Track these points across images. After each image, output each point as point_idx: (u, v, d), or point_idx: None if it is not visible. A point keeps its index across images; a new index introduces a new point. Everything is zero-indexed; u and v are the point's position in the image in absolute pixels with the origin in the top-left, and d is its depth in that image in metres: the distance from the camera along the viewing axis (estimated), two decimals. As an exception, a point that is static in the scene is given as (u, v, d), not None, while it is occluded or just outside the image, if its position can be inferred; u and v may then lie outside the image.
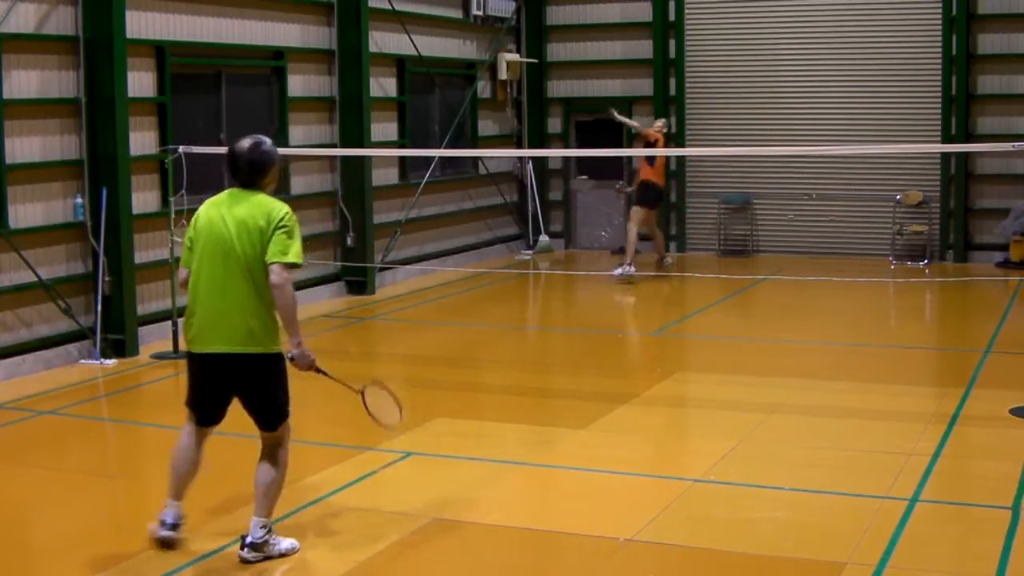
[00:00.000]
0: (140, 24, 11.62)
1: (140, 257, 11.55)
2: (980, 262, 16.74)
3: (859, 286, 14.35)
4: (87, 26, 10.90)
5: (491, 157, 18.11)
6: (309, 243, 14.29)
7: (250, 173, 6.08)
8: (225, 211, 6.00)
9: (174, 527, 6.11)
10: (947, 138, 16.77)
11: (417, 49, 16.00)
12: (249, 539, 6.00)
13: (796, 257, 17.36)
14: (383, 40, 15.44)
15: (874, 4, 17.15)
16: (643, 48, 18.38)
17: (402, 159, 15.91)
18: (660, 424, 9.17)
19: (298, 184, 14.12)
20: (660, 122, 16.17)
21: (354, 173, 14.66)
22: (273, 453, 6.12)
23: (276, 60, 13.74)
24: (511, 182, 19.10)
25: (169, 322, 11.37)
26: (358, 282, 14.75)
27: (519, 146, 19.02)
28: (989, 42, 16.65)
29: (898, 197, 17.03)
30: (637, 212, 15.51)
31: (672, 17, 18.14)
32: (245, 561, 5.98)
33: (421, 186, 16.04)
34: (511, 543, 6.46)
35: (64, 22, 10.86)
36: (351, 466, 7.70)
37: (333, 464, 7.74)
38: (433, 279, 15.75)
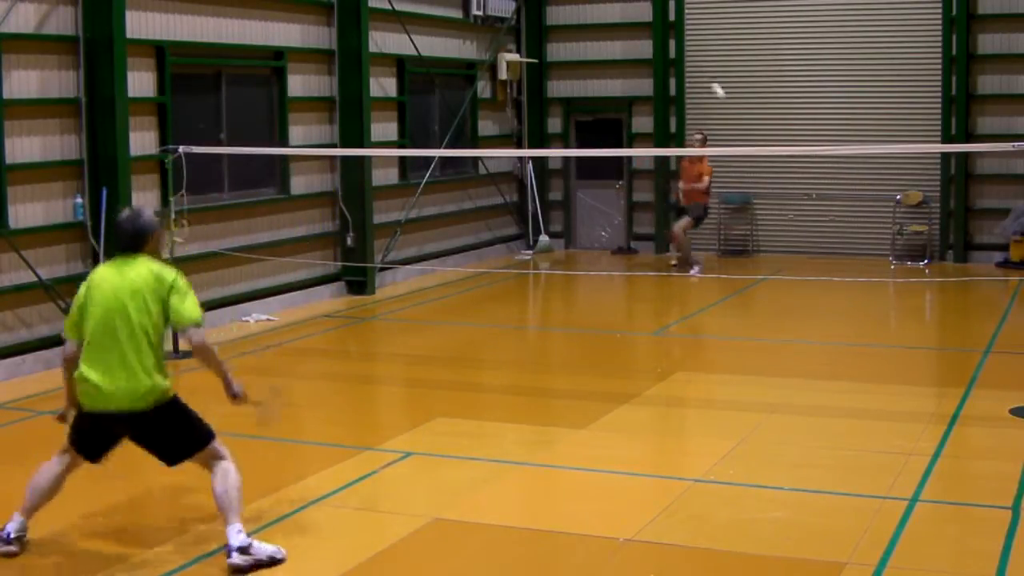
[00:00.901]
0: (140, 24, 11.62)
1: (140, 257, 11.53)
2: (980, 262, 16.74)
3: (859, 286, 14.35)
4: (87, 26, 10.90)
5: (491, 157, 18.11)
6: (309, 243, 14.34)
7: (132, 240, 6.23)
8: (114, 279, 6.16)
9: (18, 540, 6.24)
10: (947, 138, 16.77)
11: (417, 49, 16.00)
12: (236, 544, 5.94)
13: (796, 257, 17.36)
14: (383, 40, 15.44)
15: (874, 4, 17.15)
16: (643, 48, 18.38)
17: (402, 159, 15.90)
18: (660, 424, 9.17)
19: (298, 184, 14.12)
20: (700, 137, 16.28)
21: (354, 173, 14.66)
22: (214, 467, 6.20)
23: (276, 60, 13.74)
24: (511, 182, 19.10)
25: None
26: (358, 282, 14.74)
27: (519, 146, 19.02)
28: (989, 42, 16.65)
29: (898, 197, 17.03)
30: (687, 222, 16.40)
31: (672, 17, 18.14)
32: (238, 568, 5.94)
33: (421, 186, 16.04)
34: (511, 543, 6.45)
35: (64, 22, 10.87)
36: (351, 466, 7.70)
37: (333, 464, 7.74)
38: (433, 279, 15.75)
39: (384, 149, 15.36)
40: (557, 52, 19.10)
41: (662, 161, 18.25)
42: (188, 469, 7.86)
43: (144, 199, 11.72)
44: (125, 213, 6.38)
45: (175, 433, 6.24)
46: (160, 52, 11.92)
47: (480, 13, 17.63)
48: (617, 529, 6.46)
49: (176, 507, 7.18)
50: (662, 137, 18.25)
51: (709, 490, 7.18)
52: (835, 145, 16.53)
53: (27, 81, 10.53)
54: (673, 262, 16.83)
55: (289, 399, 7.09)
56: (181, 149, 11.38)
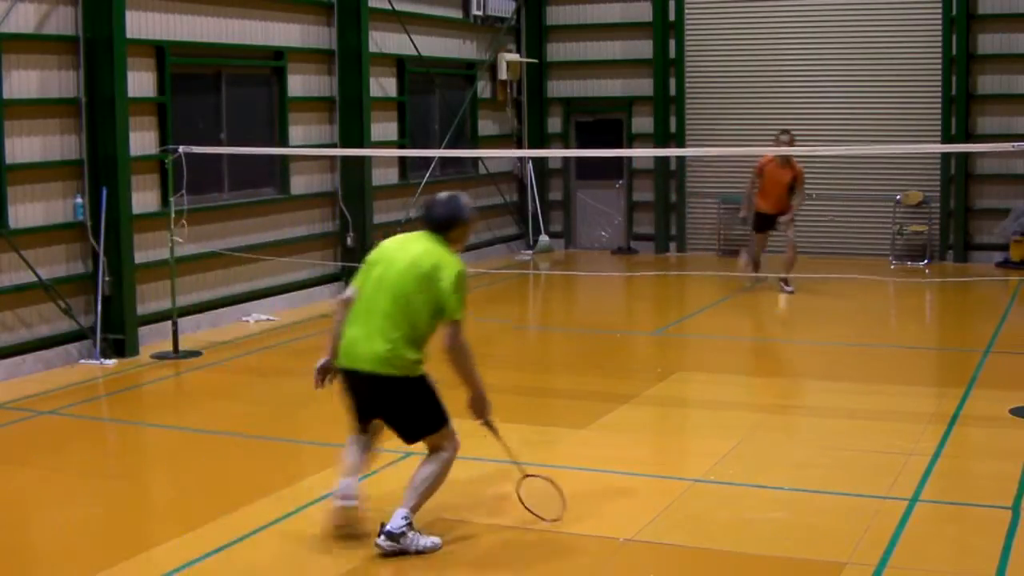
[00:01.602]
0: (140, 24, 11.62)
1: (140, 257, 11.55)
2: (980, 262, 16.74)
3: (859, 286, 14.34)
4: (87, 26, 10.90)
5: (491, 157, 18.11)
6: (309, 243, 14.34)
7: (441, 222, 6.36)
8: (407, 250, 6.35)
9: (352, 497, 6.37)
10: (947, 138, 16.76)
11: (417, 49, 16.00)
12: (388, 527, 6.09)
13: (796, 257, 17.33)
14: (383, 40, 15.44)
15: (874, 4, 17.15)
16: (643, 48, 18.39)
17: (402, 159, 15.91)
18: (660, 424, 9.17)
19: (298, 184, 14.12)
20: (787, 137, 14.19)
21: (354, 173, 14.66)
22: (435, 455, 6.35)
23: (276, 60, 13.74)
24: (511, 182, 19.11)
25: (169, 322, 11.37)
26: (358, 282, 14.72)
27: (519, 146, 19.02)
28: (989, 42, 16.65)
29: (898, 197, 17.03)
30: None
31: (672, 17, 18.15)
32: (381, 550, 6.08)
33: (421, 186, 16.04)
34: (511, 543, 6.45)
35: (64, 22, 10.86)
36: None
37: (333, 464, 7.73)
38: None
39: (384, 149, 15.36)
40: (557, 52, 19.10)
41: (662, 161, 18.26)
42: (189, 469, 7.88)
43: (144, 199, 11.73)
44: (445, 195, 6.45)
45: (415, 409, 6.32)
46: (160, 52, 11.92)
47: (480, 13, 17.63)
48: (617, 529, 6.46)
49: (176, 507, 7.19)
50: (662, 137, 18.26)
51: (709, 490, 7.18)
52: (835, 145, 16.51)
53: (27, 81, 10.53)
54: (788, 288, 14.37)
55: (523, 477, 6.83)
56: (181, 149, 11.38)
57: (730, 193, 17.94)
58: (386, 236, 14.05)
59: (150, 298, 11.76)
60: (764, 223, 14.55)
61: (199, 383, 10.47)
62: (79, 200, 10.98)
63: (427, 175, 16.11)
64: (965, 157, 16.65)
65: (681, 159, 18.25)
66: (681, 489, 7.19)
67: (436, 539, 6.27)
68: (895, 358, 11.14)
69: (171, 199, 11.41)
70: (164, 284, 11.68)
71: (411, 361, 6.25)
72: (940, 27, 16.76)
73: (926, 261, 16.75)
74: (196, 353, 11.29)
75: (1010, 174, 16.64)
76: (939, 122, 16.84)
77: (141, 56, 11.65)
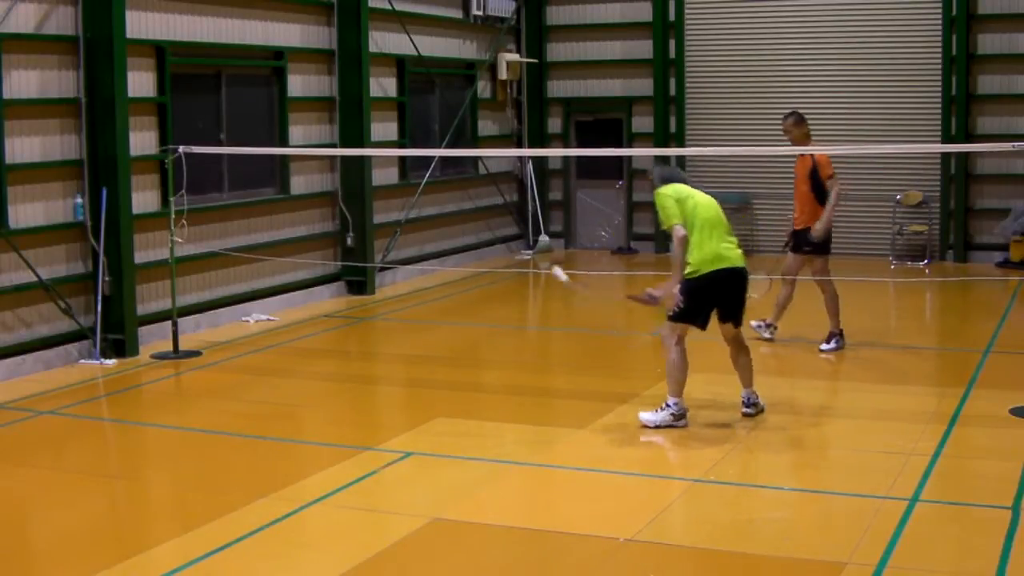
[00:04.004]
0: (140, 24, 11.62)
1: (140, 257, 11.55)
2: (980, 262, 16.74)
3: (859, 286, 14.34)
4: (87, 26, 10.90)
5: (491, 157, 18.12)
6: (309, 243, 14.34)
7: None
8: (690, 190, 8.83)
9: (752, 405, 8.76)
10: (947, 138, 16.77)
11: (417, 49, 16.00)
12: (750, 399, 8.72)
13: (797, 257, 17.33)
14: (383, 40, 15.44)
15: (874, 4, 17.15)
16: (643, 48, 18.39)
17: (402, 159, 15.90)
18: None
19: (298, 184, 14.12)
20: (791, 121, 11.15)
21: (354, 173, 14.66)
22: (741, 343, 8.82)
23: (276, 60, 13.74)
24: (511, 182, 19.10)
25: (169, 322, 11.37)
26: (358, 282, 14.75)
27: (519, 146, 19.02)
28: (989, 42, 16.65)
29: (898, 197, 17.03)
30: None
31: (672, 17, 18.15)
32: (749, 415, 8.64)
33: (421, 186, 16.04)
34: (511, 543, 6.46)
35: (64, 22, 10.86)
36: (351, 466, 7.70)
37: (333, 464, 7.74)
38: (433, 279, 15.75)
39: (384, 149, 15.36)
40: (557, 52, 19.10)
41: (662, 161, 18.24)
42: (188, 469, 7.87)
43: (144, 199, 11.73)
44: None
45: (744, 296, 8.62)
46: (160, 52, 11.92)
47: (480, 13, 17.63)
48: (617, 529, 6.46)
49: (176, 507, 7.19)
50: (662, 137, 18.26)
51: (709, 490, 7.18)
52: (835, 145, 16.51)
53: (27, 81, 10.53)
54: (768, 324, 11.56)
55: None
56: (181, 149, 11.38)
57: (730, 193, 17.93)
58: (386, 236, 14.12)
59: (150, 298, 11.76)
60: (796, 241, 11.26)
61: (199, 383, 10.47)
62: (79, 200, 10.98)
63: (427, 175, 16.11)
64: (965, 157, 16.65)
65: (681, 159, 18.23)
66: (681, 489, 7.19)
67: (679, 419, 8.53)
68: (895, 358, 11.14)
69: (171, 199, 11.41)
70: (164, 284, 11.68)
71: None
72: (940, 27, 16.76)
73: (926, 261, 16.75)
74: (196, 353, 11.29)
75: (1010, 174, 16.64)
76: (939, 122, 16.84)
77: (141, 56, 11.65)
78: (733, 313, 8.62)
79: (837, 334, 11.14)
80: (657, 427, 8.47)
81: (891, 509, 6.68)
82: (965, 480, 7.58)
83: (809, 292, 14.33)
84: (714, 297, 8.46)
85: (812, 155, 10.90)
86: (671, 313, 8.48)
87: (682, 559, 6.18)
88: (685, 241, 8.36)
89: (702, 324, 8.54)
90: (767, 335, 11.45)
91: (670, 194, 8.58)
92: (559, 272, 9.11)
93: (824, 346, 11.11)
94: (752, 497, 7.06)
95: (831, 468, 7.67)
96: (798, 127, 11.04)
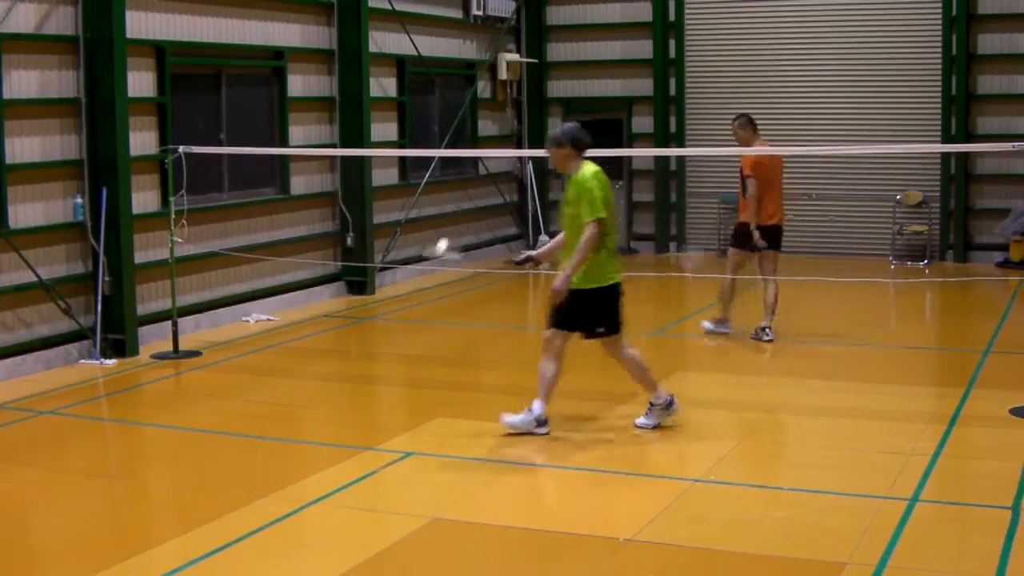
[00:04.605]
0: (140, 24, 11.62)
1: (140, 257, 11.55)
2: (980, 262, 16.75)
3: (859, 286, 14.34)
4: (87, 26, 10.90)
5: (491, 157, 18.12)
6: (309, 243, 14.33)
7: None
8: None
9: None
10: (947, 138, 16.77)
11: (417, 49, 16.00)
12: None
13: (796, 257, 17.33)
14: (383, 40, 15.44)
15: (874, 4, 17.16)
16: (643, 48, 18.39)
17: (402, 159, 15.91)
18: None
19: (298, 184, 14.12)
20: (740, 125, 11.57)
21: (354, 173, 14.66)
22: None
23: (276, 60, 13.74)
24: (511, 182, 19.11)
25: (169, 322, 11.37)
26: (358, 282, 14.75)
27: (519, 146, 19.02)
28: (989, 42, 16.66)
29: (898, 197, 17.04)
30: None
31: (672, 17, 18.15)
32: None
33: (421, 186, 16.04)
34: (511, 543, 6.46)
35: (64, 22, 10.86)
36: (351, 466, 7.70)
37: (333, 464, 7.74)
38: (433, 279, 15.75)
39: (384, 149, 15.36)
40: (557, 52, 19.10)
41: (662, 161, 18.26)
42: (188, 469, 7.87)
43: (144, 199, 11.73)
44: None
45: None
46: (160, 52, 11.92)
47: (480, 13, 17.63)
48: (617, 529, 6.46)
49: (176, 507, 7.19)
50: (662, 137, 18.26)
51: (709, 490, 7.18)
52: (835, 145, 16.53)
53: (27, 81, 10.53)
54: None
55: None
56: (181, 149, 11.38)
57: (730, 193, 17.94)
58: (386, 236, 14.11)
59: (150, 298, 11.76)
60: (777, 237, 11.67)
61: (199, 383, 10.47)
62: (79, 200, 10.98)
63: (427, 175, 16.10)
64: (965, 157, 16.65)
65: (681, 159, 18.25)
66: (681, 489, 7.19)
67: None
68: (895, 358, 11.14)
69: (171, 199, 11.41)
70: (164, 284, 11.68)
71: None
72: (940, 27, 16.77)
73: (926, 261, 16.75)
74: (196, 353, 11.29)
75: (1010, 174, 16.64)
76: (939, 122, 16.84)
77: (141, 56, 11.65)
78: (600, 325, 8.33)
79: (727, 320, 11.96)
80: (519, 431, 8.26)
81: (891, 509, 6.68)
82: (965, 480, 7.58)
83: (807, 294, 14.34)
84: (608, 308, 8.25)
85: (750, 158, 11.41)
86: (601, 330, 8.26)
87: (682, 559, 6.18)
88: (598, 243, 7.99)
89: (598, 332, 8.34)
90: (767, 337, 11.52)
91: (596, 184, 8.07)
92: (442, 246, 8.86)
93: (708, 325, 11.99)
94: (752, 497, 7.05)
95: (831, 468, 7.67)
96: (744, 130, 11.59)
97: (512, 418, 8.30)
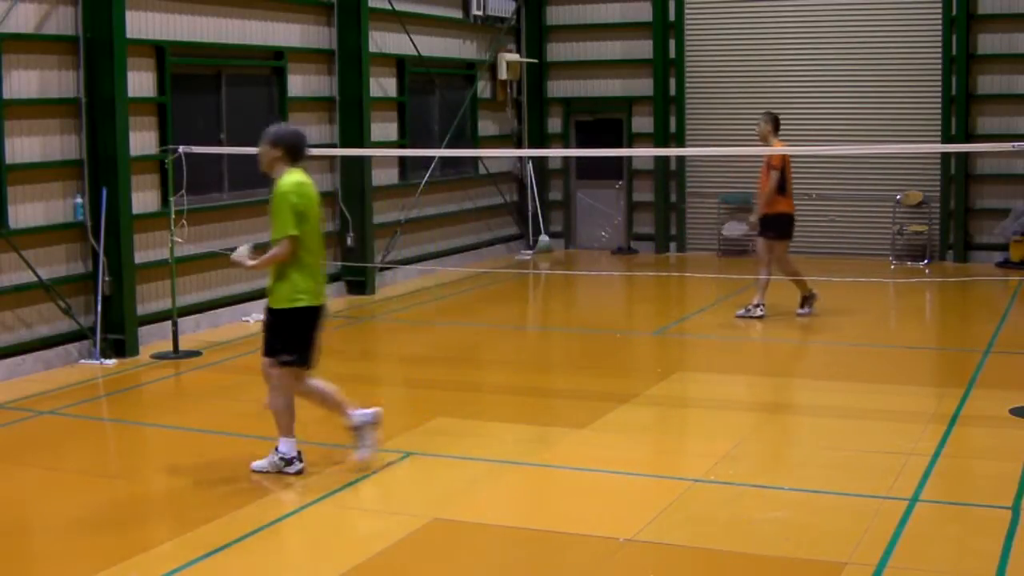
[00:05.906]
0: (140, 24, 11.62)
1: (140, 257, 11.55)
2: (980, 262, 16.75)
3: (859, 286, 14.35)
4: (87, 26, 10.90)
5: (491, 157, 18.12)
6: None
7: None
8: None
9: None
10: (947, 138, 16.77)
11: (417, 49, 16.00)
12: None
13: (796, 257, 17.30)
14: (383, 40, 15.44)
15: (874, 4, 17.16)
16: (643, 48, 18.39)
17: (402, 159, 15.91)
18: (660, 424, 9.16)
19: (298, 184, 14.09)
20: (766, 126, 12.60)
21: (354, 173, 14.66)
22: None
23: (276, 60, 13.74)
24: (511, 182, 19.11)
25: (169, 322, 11.37)
26: (358, 282, 14.75)
27: (519, 146, 19.02)
28: (989, 42, 16.66)
29: (898, 197, 17.04)
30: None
31: (672, 17, 18.15)
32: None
33: (421, 186, 16.04)
34: (511, 543, 6.46)
35: (64, 22, 10.86)
36: (351, 466, 7.69)
37: (333, 464, 7.74)
38: (433, 279, 15.76)
39: (384, 149, 15.36)
40: (557, 52, 19.10)
41: (662, 161, 18.26)
42: (188, 469, 7.87)
43: (144, 199, 11.73)
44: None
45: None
46: (160, 52, 11.92)
47: (480, 13, 17.63)
48: (617, 529, 6.46)
49: (176, 507, 7.18)
50: (662, 137, 18.26)
51: (709, 490, 7.18)
52: (835, 145, 16.53)
53: (27, 81, 10.53)
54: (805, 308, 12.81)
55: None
56: (181, 149, 11.38)
57: (730, 193, 17.95)
58: (386, 236, 14.08)
59: (150, 298, 11.76)
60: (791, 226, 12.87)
61: (199, 383, 10.47)
62: (79, 200, 10.98)
63: (427, 175, 16.11)
64: (965, 157, 16.65)
65: (681, 159, 18.25)
66: (681, 489, 7.19)
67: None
68: (895, 358, 11.14)
69: (171, 199, 11.41)
70: (164, 284, 11.68)
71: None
72: (940, 27, 16.77)
73: (926, 261, 16.75)
74: (196, 353, 11.29)
75: (1010, 174, 16.64)
76: (939, 122, 16.84)
77: (141, 56, 11.65)
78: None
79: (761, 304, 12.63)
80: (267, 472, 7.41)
81: (891, 509, 6.68)
82: (965, 480, 7.58)
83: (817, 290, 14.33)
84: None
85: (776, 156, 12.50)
86: (287, 358, 7.28)
87: (682, 559, 6.18)
88: (287, 259, 7.24)
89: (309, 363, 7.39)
90: (759, 313, 12.54)
91: (296, 197, 7.19)
92: (241, 252, 7.87)
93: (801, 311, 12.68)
94: (752, 497, 7.05)
95: (831, 468, 7.67)
96: (767, 124, 12.63)
97: (258, 463, 7.45)
